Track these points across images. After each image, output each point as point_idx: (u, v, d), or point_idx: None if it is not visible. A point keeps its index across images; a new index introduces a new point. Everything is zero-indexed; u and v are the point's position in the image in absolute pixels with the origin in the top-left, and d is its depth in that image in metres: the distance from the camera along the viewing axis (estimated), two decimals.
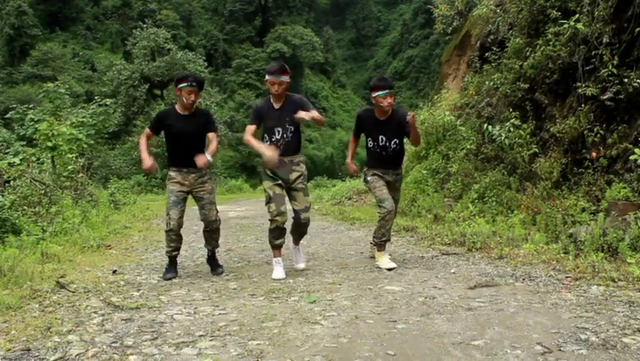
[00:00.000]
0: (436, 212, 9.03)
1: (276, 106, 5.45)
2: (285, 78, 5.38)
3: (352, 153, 6.25)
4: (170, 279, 5.42)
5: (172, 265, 5.64)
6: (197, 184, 5.57)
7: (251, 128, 5.45)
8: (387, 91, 5.72)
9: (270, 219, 5.46)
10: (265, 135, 5.51)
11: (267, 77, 5.40)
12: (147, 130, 5.73)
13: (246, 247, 7.77)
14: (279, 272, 5.41)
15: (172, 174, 5.57)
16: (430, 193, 10.38)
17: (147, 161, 5.46)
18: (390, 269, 5.58)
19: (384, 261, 5.73)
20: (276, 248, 5.57)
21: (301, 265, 5.83)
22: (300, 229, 5.75)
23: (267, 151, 5.19)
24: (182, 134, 5.52)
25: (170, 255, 5.63)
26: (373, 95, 5.77)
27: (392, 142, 5.82)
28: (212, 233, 5.76)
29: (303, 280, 5.21)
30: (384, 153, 5.86)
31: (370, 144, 5.92)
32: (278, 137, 5.42)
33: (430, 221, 8.85)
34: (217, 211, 5.76)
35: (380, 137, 5.83)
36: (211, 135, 5.63)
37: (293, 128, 5.46)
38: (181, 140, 5.55)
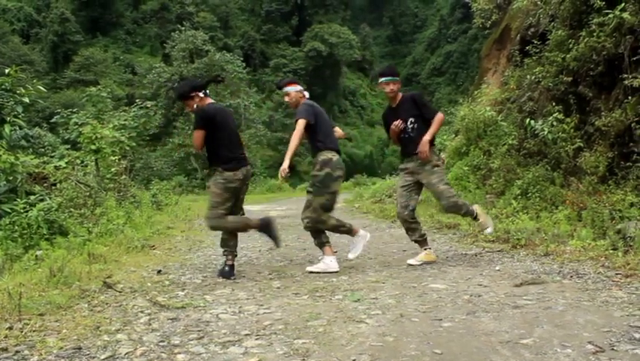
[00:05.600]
0: None
1: None
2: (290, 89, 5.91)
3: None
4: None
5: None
6: None
7: None
8: (390, 78, 5.83)
9: None
10: None
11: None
12: None
13: (288, 246, 7.80)
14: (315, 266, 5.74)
15: None
16: (471, 190, 10.26)
17: None
18: (411, 265, 5.75)
19: (417, 258, 5.88)
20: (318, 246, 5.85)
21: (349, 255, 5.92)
22: None
23: None
24: None
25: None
26: (379, 81, 5.96)
27: (408, 122, 5.80)
28: None
29: (346, 278, 5.20)
30: (406, 136, 5.85)
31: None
32: None
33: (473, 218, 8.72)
34: (207, 212, 5.61)
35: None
36: None
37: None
38: None
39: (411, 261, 5.85)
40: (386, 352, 2.99)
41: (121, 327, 3.64)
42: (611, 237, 5.65)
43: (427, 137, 5.65)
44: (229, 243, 5.65)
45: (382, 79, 5.85)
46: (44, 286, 4.74)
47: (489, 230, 6.07)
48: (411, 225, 5.88)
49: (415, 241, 5.97)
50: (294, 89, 5.83)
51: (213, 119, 5.50)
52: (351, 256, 5.82)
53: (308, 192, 5.82)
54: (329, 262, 5.62)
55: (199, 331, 3.52)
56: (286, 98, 5.91)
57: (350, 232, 5.83)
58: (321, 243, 5.71)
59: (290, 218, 12.60)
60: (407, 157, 5.89)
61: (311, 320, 3.68)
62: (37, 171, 9.53)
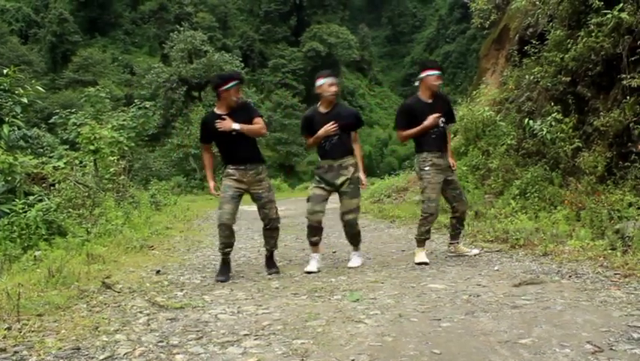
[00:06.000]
0: (477, 209, 8.92)
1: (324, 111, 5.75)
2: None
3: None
4: (220, 281, 5.32)
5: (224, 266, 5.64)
6: (254, 182, 5.58)
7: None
8: (440, 72, 5.85)
9: (305, 217, 5.81)
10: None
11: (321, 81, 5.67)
12: (202, 145, 5.93)
13: (287, 246, 7.80)
14: (311, 265, 5.67)
15: (230, 170, 5.57)
16: (470, 190, 10.25)
17: (210, 183, 5.85)
18: (419, 263, 5.70)
19: (419, 256, 5.83)
20: (312, 245, 5.82)
21: (350, 263, 5.88)
22: (345, 230, 5.91)
23: None
24: (229, 132, 5.45)
25: (221, 251, 5.61)
26: (426, 74, 5.77)
27: (440, 120, 5.81)
28: (271, 232, 5.80)
29: (345, 278, 5.20)
30: (438, 130, 5.81)
31: None
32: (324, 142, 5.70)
33: (471, 218, 8.71)
34: (277, 210, 5.81)
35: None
36: (256, 120, 5.56)
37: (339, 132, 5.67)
38: (230, 138, 5.52)
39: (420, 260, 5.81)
40: (385, 352, 2.99)
41: (120, 327, 3.64)
42: (609, 237, 5.65)
43: (450, 152, 5.98)
44: (233, 242, 5.69)
45: (434, 72, 5.77)
46: (43, 286, 4.74)
47: (475, 250, 6.24)
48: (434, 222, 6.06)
49: (425, 240, 5.97)
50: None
51: None
52: (351, 265, 5.84)
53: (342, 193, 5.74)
54: (311, 261, 5.75)
55: (198, 331, 3.52)
56: (333, 89, 5.60)
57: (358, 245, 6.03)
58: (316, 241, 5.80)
59: (289, 218, 12.57)
60: (438, 152, 5.81)
61: (310, 320, 3.68)
62: (35, 171, 9.52)
